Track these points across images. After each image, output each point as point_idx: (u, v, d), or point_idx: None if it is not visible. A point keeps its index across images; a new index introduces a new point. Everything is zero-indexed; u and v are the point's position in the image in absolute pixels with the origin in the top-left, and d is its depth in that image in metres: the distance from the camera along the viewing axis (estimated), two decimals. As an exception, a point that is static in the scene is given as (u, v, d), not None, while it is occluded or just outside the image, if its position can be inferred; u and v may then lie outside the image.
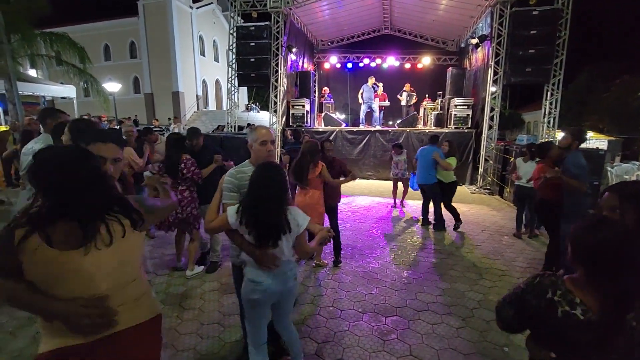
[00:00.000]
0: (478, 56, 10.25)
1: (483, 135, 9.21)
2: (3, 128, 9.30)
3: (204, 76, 27.00)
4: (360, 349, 2.65)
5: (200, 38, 26.69)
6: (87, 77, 11.76)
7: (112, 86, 16.38)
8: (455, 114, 10.02)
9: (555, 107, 9.07)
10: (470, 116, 9.93)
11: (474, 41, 9.92)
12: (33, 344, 2.63)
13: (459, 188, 6.83)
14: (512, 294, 1.24)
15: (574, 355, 1.12)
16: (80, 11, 26.66)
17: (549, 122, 9.22)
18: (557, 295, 1.12)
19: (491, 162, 8.98)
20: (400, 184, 7.03)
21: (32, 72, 14.74)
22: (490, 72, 8.91)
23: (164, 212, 1.65)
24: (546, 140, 7.62)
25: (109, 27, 25.19)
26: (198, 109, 25.70)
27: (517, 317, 1.21)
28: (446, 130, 9.89)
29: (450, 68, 11.78)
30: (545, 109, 9.17)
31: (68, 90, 13.59)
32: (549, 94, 9.03)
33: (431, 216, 5.80)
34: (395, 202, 7.18)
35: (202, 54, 27.02)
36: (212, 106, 28.02)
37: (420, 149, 5.85)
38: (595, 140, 15.97)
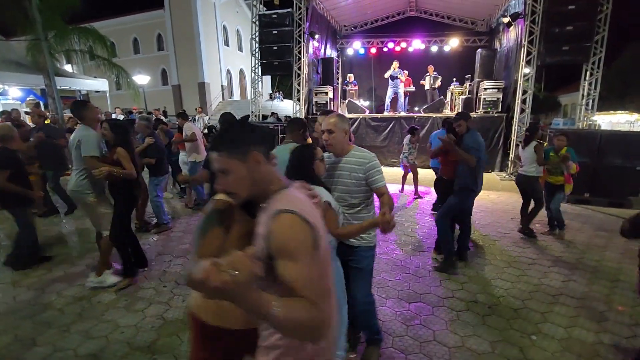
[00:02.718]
0: (510, 36, 9.71)
1: (514, 119, 8.80)
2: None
3: (228, 66, 27.30)
4: (384, 334, 2.67)
5: (224, 28, 26.91)
6: (118, 69, 12.23)
7: (142, 79, 16.94)
8: (484, 98, 9.60)
9: (595, 88, 8.49)
10: (501, 100, 9.50)
11: (506, 20, 9.39)
12: (78, 320, 2.86)
13: (487, 175, 6.61)
14: (633, 215, 1.99)
15: None
16: (111, 6, 27.55)
17: (587, 105, 8.67)
18: None
19: (522, 147, 8.59)
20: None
21: (68, 68, 15.52)
22: (523, 52, 8.42)
23: None
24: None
25: (137, 20, 25.92)
26: (223, 99, 26.14)
27: (633, 228, 1.97)
28: (475, 115, 9.52)
29: (479, 50, 11.25)
30: (583, 90, 8.61)
31: (101, 84, 14.21)
32: (588, 73, 8.44)
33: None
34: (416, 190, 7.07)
35: (226, 43, 27.27)
36: (236, 96, 28.40)
37: (434, 133, 5.88)
38: (640, 123, 14.89)
